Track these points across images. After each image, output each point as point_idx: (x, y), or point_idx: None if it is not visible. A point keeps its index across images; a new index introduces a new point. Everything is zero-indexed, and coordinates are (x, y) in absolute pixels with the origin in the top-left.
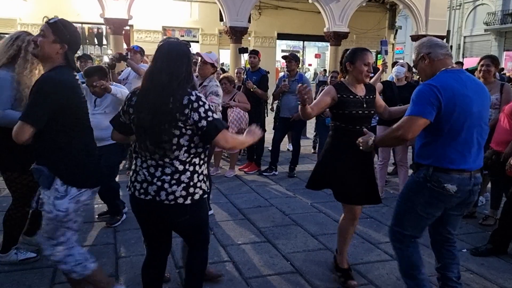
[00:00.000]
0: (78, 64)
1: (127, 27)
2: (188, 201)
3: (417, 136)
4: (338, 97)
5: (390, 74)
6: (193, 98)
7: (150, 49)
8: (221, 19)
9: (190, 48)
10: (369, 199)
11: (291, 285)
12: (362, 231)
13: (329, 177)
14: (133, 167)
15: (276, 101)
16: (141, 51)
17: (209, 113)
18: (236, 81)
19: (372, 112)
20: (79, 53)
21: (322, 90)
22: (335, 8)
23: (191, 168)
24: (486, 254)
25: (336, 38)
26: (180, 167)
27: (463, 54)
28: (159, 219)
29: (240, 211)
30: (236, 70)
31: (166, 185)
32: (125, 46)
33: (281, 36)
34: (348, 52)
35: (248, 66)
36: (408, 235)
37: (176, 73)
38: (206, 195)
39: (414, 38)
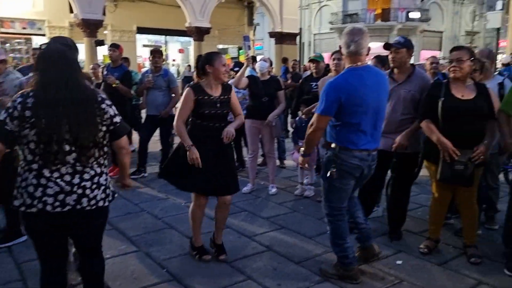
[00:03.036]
0: None
1: None
2: (107, 203)
3: None
4: (195, 98)
5: (248, 69)
6: (103, 95)
7: None
8: (72, 11)
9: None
10: (225, 190)
11: None
12: (237, 226)
13: (184, 167)
14: (29, 181)
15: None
16: None
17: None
18: (93, 78)
19: (225, 111)
20: None
21: (189, 86)
22: (195, 3)
23: (105, 170)
24: None
25: (198, 33)
26: (98, 170)
27: (314, 50)
28: (68, 229)
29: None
30: (91, 66)
31: (87, 191)
32: None
33: (141, 30)
34: (204, 56)
35: (108, 61)
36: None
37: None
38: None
39: (272, 34)
